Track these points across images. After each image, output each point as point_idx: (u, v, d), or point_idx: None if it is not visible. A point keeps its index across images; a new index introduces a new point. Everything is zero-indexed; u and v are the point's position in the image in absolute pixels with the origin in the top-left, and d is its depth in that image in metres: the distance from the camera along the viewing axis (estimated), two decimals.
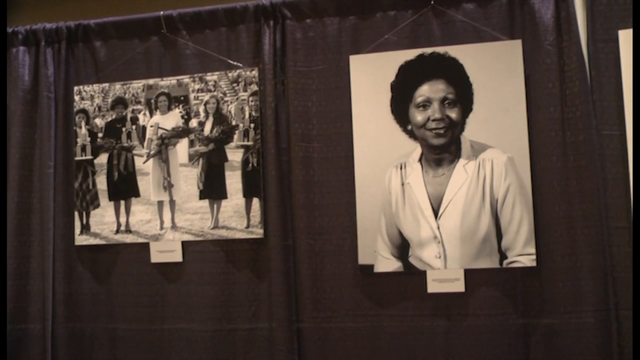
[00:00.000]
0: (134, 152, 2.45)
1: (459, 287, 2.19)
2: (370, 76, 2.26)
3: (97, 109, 2.48)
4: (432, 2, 2.27)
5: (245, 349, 2.37)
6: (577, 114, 2.17)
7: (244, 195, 2.35)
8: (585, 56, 2.18)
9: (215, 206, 2.37)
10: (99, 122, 2.48)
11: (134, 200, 2.43)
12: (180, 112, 2.42)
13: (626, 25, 2.18)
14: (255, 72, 2.36)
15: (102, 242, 2.45)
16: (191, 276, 2.40)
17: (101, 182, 2.46)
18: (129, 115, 2.46)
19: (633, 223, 2.10)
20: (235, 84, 2.37)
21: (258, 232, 2.33)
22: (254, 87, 2.36)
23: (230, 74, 2.38)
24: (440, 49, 2.23)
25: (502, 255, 2.16)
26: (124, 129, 2.46)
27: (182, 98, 2.42)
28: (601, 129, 2.18)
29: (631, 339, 2.12)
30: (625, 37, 2.16)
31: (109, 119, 2.48)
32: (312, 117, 2.33)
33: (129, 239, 2.43)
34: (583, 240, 2.15)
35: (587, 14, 2.20)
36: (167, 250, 2.39)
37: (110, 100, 2.47)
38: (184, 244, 2.39)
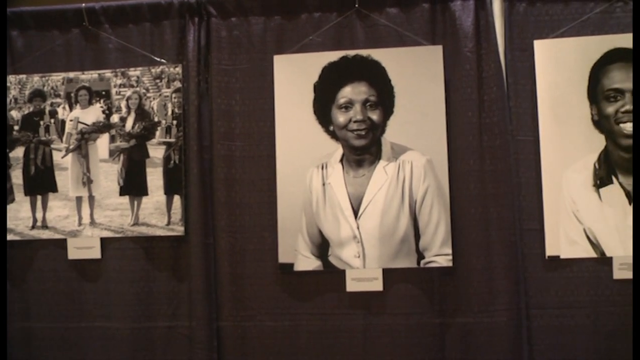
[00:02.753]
0: (52, 146, 2.39)
1: (377, 286, 2.22)
2: (294, 76, 2.27)
3: (13, 100, 2.41)
4: (357, 5, 2.29)
5: (164, 347, 2.35)
6: (494, 119, 2.24)
7: (165, 193, 2.33)
8: (503, 64, 2.25)
9: (135, 203, 2.34)
10: (15, 114, 2.41)
11: (51, 195, 2.38)
12: (102, 106, 2.38)
13: (541, 36, 2.26)
14: (179, 69, 2.34)
15: (17, 237, 2.38)
16: (110, 273, 2.36)
17: (17, 177, 2.39)
18: (48, 109, 2.40)
19: (633, 223, 2.17)
20: (158, 80, 2.35)
21: (179, 230, 2.31)
22: (177, 84, 2.34)
23: (153, 70, 2.35)
24: (364, 52, 2.26)
25: (420, 255, 2.21)
26: (42, 123, 2.40)
27: (103, 93, 2.37)
28: (516, 134, 2.25)
29: (540, 337, 2.21)
30: (540, 46, 2.24)
31: (26, 112, 2.41)
32: (235, 115, 2.32)
33: (45, 235, 2.37)
34: (497, 242, 2.22)
35: (505, 23, 2.26)
36: (85, 247, 2.34)
37: (27, 92, 2.40)
38: (103, 240, 2.35)
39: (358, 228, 2.22)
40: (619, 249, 2.20)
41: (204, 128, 2.33)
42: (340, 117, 2.24)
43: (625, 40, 2.22)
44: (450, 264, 2.20)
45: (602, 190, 2.22)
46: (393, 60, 2.24)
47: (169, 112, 2.34)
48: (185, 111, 2.34)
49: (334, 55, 2.27)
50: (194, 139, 2.31)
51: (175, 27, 2.37)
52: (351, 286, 2.23)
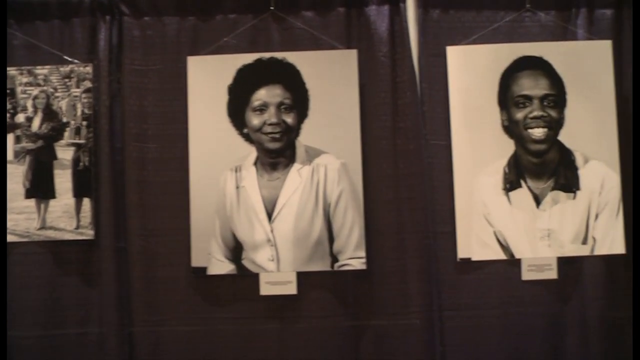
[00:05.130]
0: None
1: (292, 289, 2.21)
2: (208, 78, 2.24)
3: None
4: (272, 8, 2.28)
5: (74, 355, 2.28)
6: (408, 124, 2.27)
7: (74, 195, 2.26)
8: (417, 69, 2.28)
9: (42, 206, 2.26)
10: None
11: None
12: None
13: (454, 42, 2.30)
14: (89, 68, 2.28)
15: None
16: (15, 279, 2.27)
17: None
18: None
19: (633, 223, 2.21)
20: (67, 80, 2.28)
21: (88, 234, 2.25)
22: (88, 84, 2.28)
23: (62, 69, 2.28)
24: (279, 55, 2.25)
25: (334, 259, 2.21)
26: None
27: (8, 91, 2.29)
28: (429, 138, 2.29)
29: (452, 338, 2.25)
30: (452, 53, 2.29)
31: None
32: (147, 117, 2.28)
33: None
34: (410, 245, 2.25)
35: (418, 29, 2.30)
36: None
37: None
38: (8, 245, 2.26)
39: (272, 231, 2.21)
40: (528, 251, 2.26)
41: (115, 129, 2.28)
42: (255, 120, 2.23)
43: (533, 49, 2.29)
44: (364, 267, 2.21)
45: (511, 193, 2.27)
46: (308, 63, 2.24)
47: (79, 113, 2.28)
48: (96, 112, 2.28)
49: (249, 58, 2.25)
50: (105, 141, 2.26)
51: (85, 25, 2.30)
52: (265, 290, 2.22)
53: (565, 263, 2.26)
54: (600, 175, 2.27)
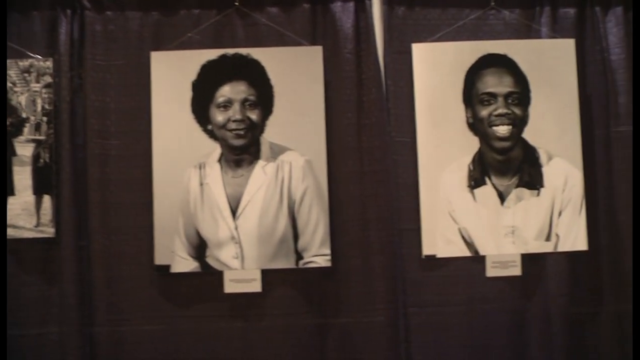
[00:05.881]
0: None
1: (256, 287, 2.20)
2: (172, 74, 2.22)
3: None
4: (237, 4, 2.26)
5: (34, 356, 2.23)
6: (373, 121, 2.26)
7: (34, 192, 2.21)
8: (382, 66, 2.28)
9: None
10: None
11: None
12: None
13: (419, 39, 2.31)
14: (49, 63, 2.23)
15: None
16: None
17: None
18: None
19: (633, 223, 2.22)
20: (26, 74, 2.23)
21: (49, 232, 2.21)
22: (48, 79, 2.23)
23: (21, 63, 2.23)
24: (243, 51, 2.23)
25: (299, 256, 2.20)
26: None
27: None
28: (395, 135, 2.29)
29: (417, 334, 2.26)
30: (418, 50, 2.29)
31: None
32: (110, 113, 2.25)
33: None
34: (375, 242, 2.24)
35: (384, 26, 2.29)
36: None
37: None
38: None
39: (236, 229, 2.19)
40: (492, 248, 2.27)
41: (76, 125, 2.24)
42: (219, 116, 2.21)
43: (497, 47, 2.30)
44: (329, 264, 2.20)
45: (476, 191, 2.28)
46: (273, 59, 2.23)
47: (39, 108, 2.23)
48: (56, 107, 2.23)
49: (213, 54, 2.23)
50: (66, 137, 2.22)
51: (45, 19, 2.26)
52: (229, 287, 2.20)
53: (529, 260, 2.28)
54: (564, 172, 2.29)
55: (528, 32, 2.36)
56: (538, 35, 2.35)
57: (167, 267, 2.19)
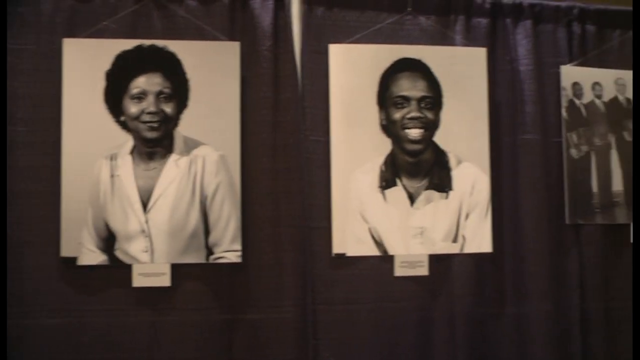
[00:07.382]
0: None
1: (165, 281, 2.18)
2: (85, 62, 2.17)
3: None
4: None
5: None
6: (288, 119, 2.28)
7: None
8: (299, 65, 2.30)
9: None
10: None
11: None
12: None
13: (337, 40, 2.34)
14: None
15: None
16: None
17: None
18: None
19: (633, 222, 2.25)
20: None
21: None
22: None
23: None
24: (160, 42, 2.21)
25: (209, 251, 2.20)
26: None
27: None
28: (309, 134, 2.31)
29: (325, 331, 2.28)
30: (335, 50, 2.32)
31: None
32: (18, 99, 2.18)
33: None
34: (286, 239, 2.26)
35: (302, 25, 2.32)
36: None
37: None
38: None
39: (147, 222, 2.17)
40: (401, 248, 2.32)
41: None
42: (133, 108, 2.18)
43: (412, 51, 2.36)
44: (240, 260, 2.21)
45: (387, 191, 2.33)
46: (190, 53, 2.22)
47: None
48: None
49: (128, 44, 2.20)
50: None
51: None
52: (138, 281, 2.17)
53: (436, 260, 2.34)
54: (472, 176, 2.37)
55: (443, 38, 2.42)
56: (452, 43, 2.42)
57: (74, 259, 2.15)
